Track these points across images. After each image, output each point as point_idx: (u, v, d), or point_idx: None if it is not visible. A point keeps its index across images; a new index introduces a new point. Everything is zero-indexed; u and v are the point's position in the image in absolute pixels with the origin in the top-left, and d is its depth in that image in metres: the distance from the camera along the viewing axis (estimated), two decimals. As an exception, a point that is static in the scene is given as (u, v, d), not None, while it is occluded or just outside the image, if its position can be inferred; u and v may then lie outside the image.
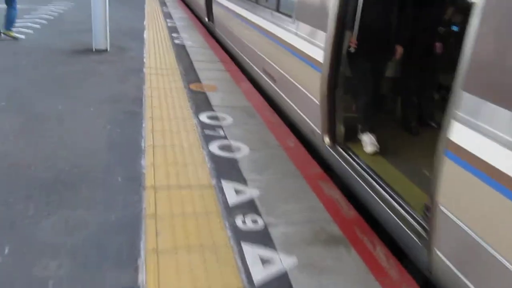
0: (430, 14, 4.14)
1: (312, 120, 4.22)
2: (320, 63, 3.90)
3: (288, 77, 4.75)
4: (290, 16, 4.77)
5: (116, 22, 10.18)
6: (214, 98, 5.29)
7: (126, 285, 2.24)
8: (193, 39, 9.21)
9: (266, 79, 5.71)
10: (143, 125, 4.26)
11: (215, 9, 9.79)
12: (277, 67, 5.20)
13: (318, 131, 4.06)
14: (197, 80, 6.06)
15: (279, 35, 5.09)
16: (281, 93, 5.08)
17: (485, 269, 2.08)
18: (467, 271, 2.20)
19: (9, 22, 7.74)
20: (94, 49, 7.38)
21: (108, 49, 7.46)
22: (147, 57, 7.12)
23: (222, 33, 9.05)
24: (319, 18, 3.95)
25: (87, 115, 4.48)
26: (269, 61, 5.54)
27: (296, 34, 4.53)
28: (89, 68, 6.27)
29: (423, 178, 3.25)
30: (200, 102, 5.12)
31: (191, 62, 7.06)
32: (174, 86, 5.67)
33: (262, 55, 5.90)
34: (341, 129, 3.93)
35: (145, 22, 10.90)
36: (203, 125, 4.40)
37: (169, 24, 11.02)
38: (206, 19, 11.58)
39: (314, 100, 4.08)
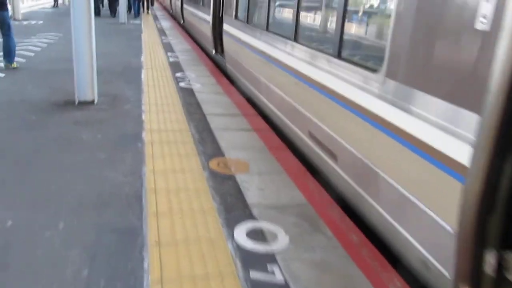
0: None
1: (435, 254, 2.47)
2: (462, 166, 2.16)
3: (376, 170, 3.00)
4: (373, 70, 3.05)
5: (107, 58, 8.54)
6: (251, 190, 3.52)
7: None
8: (202, 80, 7.51)
9: (317, 150, 3.99)
10: (145, 263, 2.50)
11: (227, 41, 8.12)
12: (343, 143, 3.47)
13: (447, 275, 2.32)
14: (219, 151, 4.31)
15: (347, 97, 3.38)
16: (354, 186, 3.32)
17: None
18: None
19: (9, 53, 7.46)
20: (77, 101, 5.65)
21: (96, 101, 5.73)
22: (146, 112, 5.39)
23: (237, 71, 7.35)
24: (462, 89, 2.23)
25: (49, 241, 2.70)
26: (325, 128, 3.82)
27: (392, 103, 2.81)
28: (66, 135, 4.52)
29: None
30: (231, 199, 3.36)
31: (204, 118, 5.33)
32: (188, 165, 3.91)
33: (308, 114, 4.19)
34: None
35: (142, 57, 9.22)
36: (245, 256, 2.63)
37: (171, 59, 9.34)
38: (213, 51, 9.94)
39: (443, 224, 2.35)
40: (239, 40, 7.00)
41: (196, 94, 6.50)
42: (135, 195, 3.30)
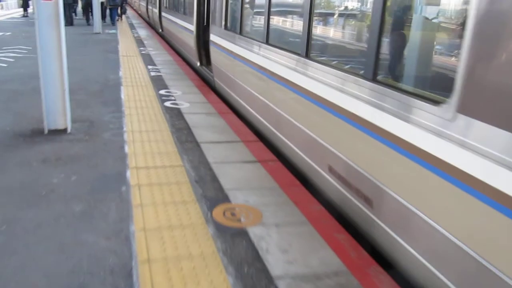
0: None
1: None
2: None
3: (442, 231, 2.28)
4: (435, 103, 2.33)
5: (82, 74, 7.69)
6: (271, 253, 2.75)
7: None
8: (189, 98, 6.71)
9: (342, 190, 3.26)
10: None
11: (216, 54, 7.34)
12: (382, 186, 2.75)
13: None
14: (222, 194, 3.53)
15: (392, 132, 2.65)
16: (402, 243, 2.59)
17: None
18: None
19: None
20: (46, 130, 4.79)
21: (69, 129, 4.88)
22: (129, 143, 4.56)
23: (230, 88, 6.56)
24: None
25: None
26: (354, 166, 3.09)
27: (467, 146, 2.09)
28: (31, 180, 3.66)
29: None
30: (248, 269, 2.58)
31: (199, 148, 4.54)
32: (187, 218, 3.12)
33: (330, 147, 3.45)
34: None
35: (121, 72, 8.35)
36: None
37: (152, 73, 8.50)
38: (198, 63, 9.16)
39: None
40: (231, 53, 6.23)
41: (185, 115, 5.70)
42: (123, 271, 2.49)
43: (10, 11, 27.60)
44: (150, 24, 21.30)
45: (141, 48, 12.14)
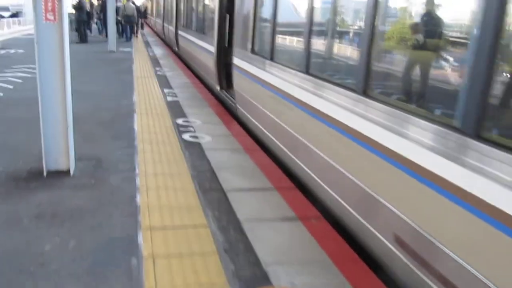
0: None
1: None
2: None
3: None
4: None
5: (91, 100, 7.02)
6: None
7: None
8: (210, 129, 5.97)
9: (414, 268, 2.44)
10: None
11: (240, 80, 6.61)
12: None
13: None
14: (260, 273, 2.72)
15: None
16: None
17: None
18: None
19: None
20: (45, 172, 4.05)
21: (72, 170, 4.13)
22: (142, 192, 3.79)
23: (257, 120, 5.79)
24: None
25: None
26: (435, 242, 2.27)
27: None
28: (18, 246, 2.90)
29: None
30: None
31: (225, 199, 3.75)
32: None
33: (396, 210, 2.65)
34: None
35: (134, 97, 7.66)
36: None
37: (168, 98, 7.80)
38: (218, 88, 8.44)
39: None
40: (259, 81, 5.49)
41: (207, 152, 4.93)
42: None
43: (27, 26, 27.45)
44: (165, 42, 20.82)
45: (157, 69, 11.50)
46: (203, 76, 10.13)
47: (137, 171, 4.25)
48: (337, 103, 3.44)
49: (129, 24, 19.60)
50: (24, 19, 33.63)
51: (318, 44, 4.22)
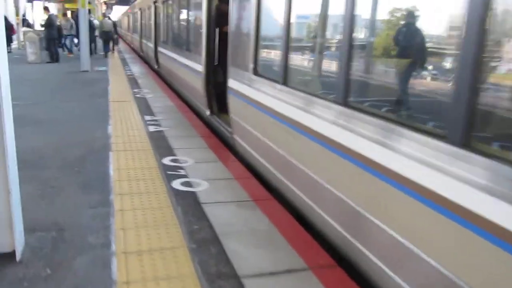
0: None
1: None
2: None
3: None
4: None
5: (60, 130, 5.91)
6: None
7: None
8: (205, 170, 4.80)
9: None
10: None
11: (240, 107, 5.48)
12: None
13: None
14: None
15: None
16: None
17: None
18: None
19: None
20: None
21: (19, 253, 2.90)
22: (120, 278, 2.58)
23: (264, 158, 4.64)
24: None
25: None
26: None
27: None
28: None
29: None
30: None
31: (244, 293, 2.57)
32: None
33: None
34: None
35: (110, 126, 6.43)
36: None
37: (150, 128, 6.59)
38: (207, 112, 7.32)
39: None
40: (269, 112, 4.35)
41: (206, 209, 3.75)
42: None
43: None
44: (144, 59, 19.58)
45: (135, 90, 10.26)
46: (188, 97, 8.95)
47: (113, 247, 3.03)
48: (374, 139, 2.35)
49: (107, 40, 19.70)
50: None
51: (360, 66, 3.11)
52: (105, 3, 46.47)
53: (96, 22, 22.03)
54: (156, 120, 7.14)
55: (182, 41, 9.75)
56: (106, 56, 19.26)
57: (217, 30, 7.27)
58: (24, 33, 17.76)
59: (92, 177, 4.43)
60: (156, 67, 15.04)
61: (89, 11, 18.86)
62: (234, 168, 4.90)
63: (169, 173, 4.60)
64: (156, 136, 6.12)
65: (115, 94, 9.54)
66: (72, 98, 8.99)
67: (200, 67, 7.51)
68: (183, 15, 9.58)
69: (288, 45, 3.97)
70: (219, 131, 6.69)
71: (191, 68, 8.30)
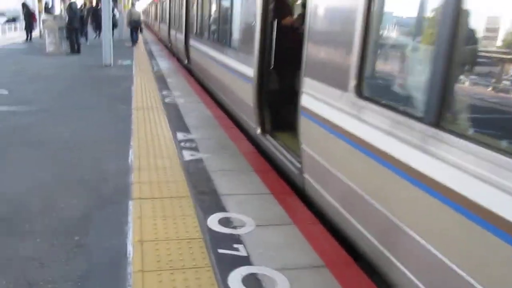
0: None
1: None
2: None
3: None
4: None
5: (57, 160, 4.14)
6: None
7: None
8: (274, 246, 3.02)
9: None
10: None
11: (318, 134, 3.69)
12: None
13: None
14: None
15: None
16: None
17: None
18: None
19: None
20: None
21: None
22: None
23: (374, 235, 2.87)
24: None
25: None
26: None
27: None
28: None
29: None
30: None
31: None
32: None
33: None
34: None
35: (131, 152, 4.72)
36: None
37: (186, 154, 4.89)
38: (258, 130, 5.60)
39: None
40: (387, 162, 2.56)
41: None
42: None
43: (12, 34, 24.63)
44: (172, 52, 17.93)
45: (164, 93, 8.56)
46: (229, 106, 7.19)
47: None
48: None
49: (135, 29, 19.72)
50: (10, 26, 30.82)
51: None
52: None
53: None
54: (192, 140, 5.41)
55: (223, 35, 7.97)
56: (133, 45, 19.20)
57: (275, 23, 5.47)
58: (43, 21, 16.30)
59: (99, 260, 2.72)
60: (186, 62, 13.34)
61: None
62: (319, 242, 3.12)
63: (222, 253, 2.86)
64: (195, 170, 4.39)
65: (140, 98, 7.85)
66: (87, 103, 7.33)
67: (249, 71, 5.74)
68: (226, 1, 7.78)
69: (450, 52, 2.16)
70: (274, 156, 4.97)
71: (235, 71, 6.54)
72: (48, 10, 20.15)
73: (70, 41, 15.30)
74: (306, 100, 3.96)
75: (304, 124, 4.04)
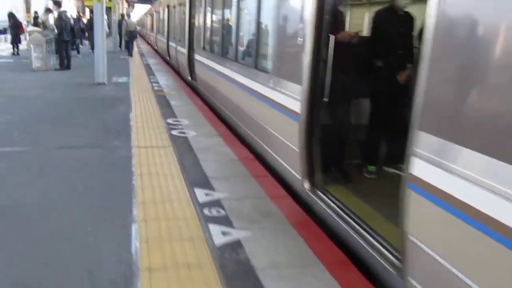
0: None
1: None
2: None
3: None
4: None
5: (21, 246, 2.41)
6: None
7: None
8: None
9: None
10: None
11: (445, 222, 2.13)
12: None
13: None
14: None
15: None
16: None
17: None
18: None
19: None
20: None
21: None
22: None
23: None
24: None
25: None
26: None
27: None
28: None
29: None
30: None
31: None
32: None
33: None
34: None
35: (134, 232, 3.12)
36: None
37: (215, 235, 3.29)
38: (306, 185, 4.08)
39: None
40: None
41: None
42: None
43: (1, 46, 23.00)
44: (171, 66, 16.42)
45: (170, 121, 7.02)
46: (259, 145, 5.61)
47: None
48: None
49: (131, 40, 19.50)
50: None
51: None
52: (126, 0, 43.71)
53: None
54: (218, 204, 3.87)
55: (246, 53, 6.46)
56: (130, 55, 19.05)
57: (331, 37, 3.96)
58: (30, 33, 14.73)
59: None
60: (189, 78, 11.82)
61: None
62: None
63: None
64: (233, 268, 2.85)
65: (141, 130, 6.30)
66: (72, 140, 5.75)
67: (293, 103, 4.25)
68: (251, 9, 6.24)
69: None
70: (333, 225, 3.49)
71: (269, 100, 5.01)
72: (37, 21, 18.57)
73: (60, 55, 13.73)
74: (423, 169, 2.43)
75: (416, 205, 2.51)
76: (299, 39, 4.12)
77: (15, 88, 9.60)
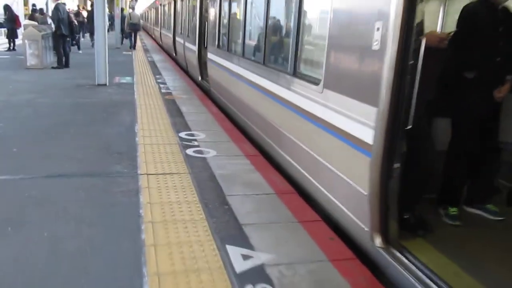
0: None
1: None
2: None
3: None
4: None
5: None
6: None
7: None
8: None
9: None
10: None
11: None
12: None
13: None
14: None
15: None
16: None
17: None
18: None
19: None
20: None
21: None
22: None
23: None
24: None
25: None
26: None
27: None
28: None
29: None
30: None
31: None
32: None
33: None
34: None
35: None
36: None
37: None
38: (379, 242, 2.86)
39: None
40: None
41: None
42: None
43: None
44: (178, 64, 15.26)
45: (183, 136, 5.88)
46: (304, 178, 4.41)
47: None
48: None
49: (134, 33, 19.29)
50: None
51: None
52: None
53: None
54: (262, 273, 2.72)
55: (282, 56, 5.29)
56: (133, 47, 19.09)
57: (423, 42, 2.81)
58: (25, 27, 13.58)
59: None
60: (200, 79, 10.67)
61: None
62: None
63: None
64: None
65: (149, 149, 5.16)
66: (63, 163, 4.61)
67: (363, 131, 3.10)
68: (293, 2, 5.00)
69: None
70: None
71: (318, 121, 3.85)
72: (34, 14, 17.41)
73: (57, 52, 12.60)
74: None
75: None
76: (375, 41, 2.95)
77: (2, 92, 8.46)
